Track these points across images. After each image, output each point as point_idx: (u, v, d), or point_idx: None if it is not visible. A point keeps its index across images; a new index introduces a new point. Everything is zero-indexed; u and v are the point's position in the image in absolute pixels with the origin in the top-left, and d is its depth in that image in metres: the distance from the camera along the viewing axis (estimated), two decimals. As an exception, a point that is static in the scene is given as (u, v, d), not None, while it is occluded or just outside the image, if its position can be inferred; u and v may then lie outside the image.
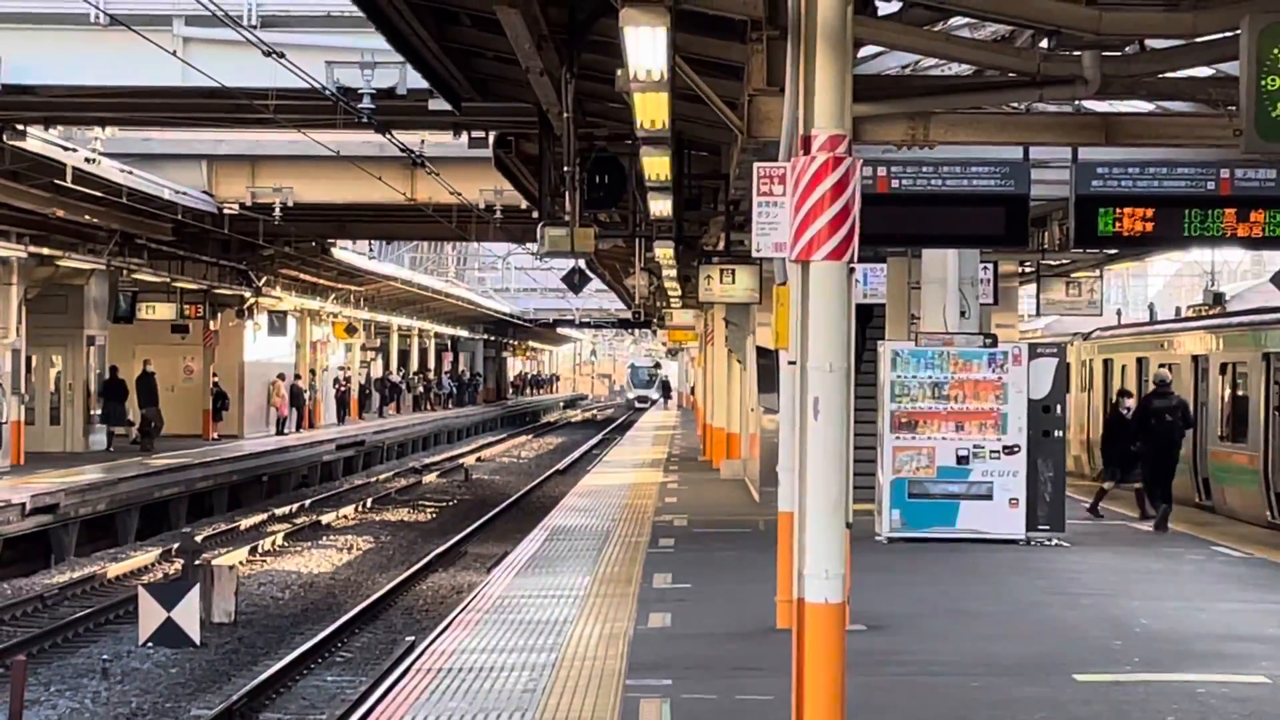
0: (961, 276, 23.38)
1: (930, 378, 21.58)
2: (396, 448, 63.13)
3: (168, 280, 44.78)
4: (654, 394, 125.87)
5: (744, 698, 12.08)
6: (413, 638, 21.40)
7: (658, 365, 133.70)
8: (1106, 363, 36.00)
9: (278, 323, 53.94)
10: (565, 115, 18.07)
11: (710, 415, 44.26)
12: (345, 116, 24.72)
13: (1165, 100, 14.88)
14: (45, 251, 36.93)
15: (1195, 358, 29.97)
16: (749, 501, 28.98)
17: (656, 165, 18.37)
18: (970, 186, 14.60)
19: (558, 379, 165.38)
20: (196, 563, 23.69)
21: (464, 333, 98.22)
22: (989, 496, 21.43)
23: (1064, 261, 32.54)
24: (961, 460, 21.48)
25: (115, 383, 43.16)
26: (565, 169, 20.13)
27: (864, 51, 14.83)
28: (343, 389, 65.67)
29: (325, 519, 38.63)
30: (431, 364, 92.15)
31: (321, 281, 58.17)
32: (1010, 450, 21.43)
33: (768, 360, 26.89)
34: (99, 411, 42.86)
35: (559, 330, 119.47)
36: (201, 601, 21.76)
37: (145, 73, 24.32)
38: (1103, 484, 25.91)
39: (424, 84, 21.67)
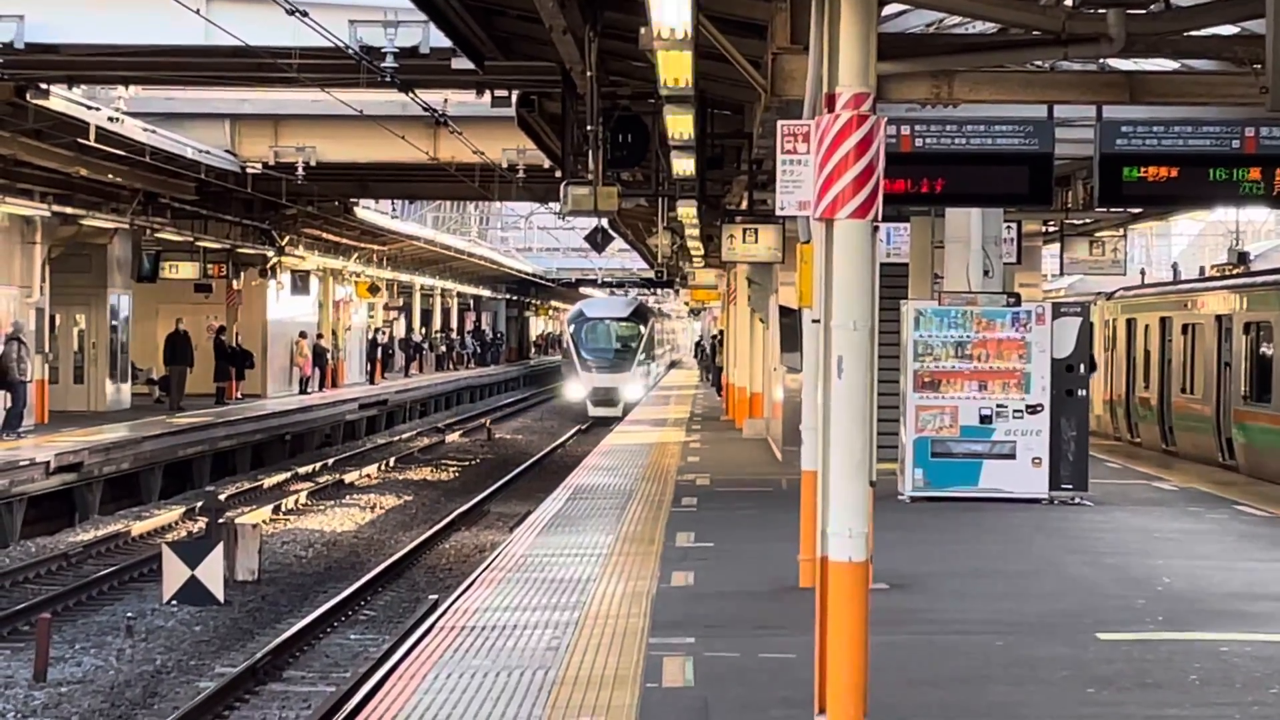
0: (985, 235, 23.32)
1: (953, 337, 21.54)
2: (419, 407, 63.20)
3: (191, 240, 44.82)
4: (632, 388, 62.90)
5: (767, 656, 12.09)
6: (436, 596, 21.46)
7: (639, 313, 70.27)
8: (1130, 322, 35.92)
9: (300, 282, 53.98)
10: (588, 74, 18.07)
11: (733, 374, 44.26)
12: (368, 75, 24.68)
13: (1190, 58, 14.84)
14: (69, 211, 36.95)
15: (1219, 317, 29.89)
16: (771, 460, 28.99)
17: (679, 124, 18.34)
18: (994, 145, 14.57)
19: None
20: (220, 521, 23.76)
21: (486, 292, 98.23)
22: (1012, 456, 21.39)
23: (1088, 221, 32.43)
24: (985, 419, 21.43)
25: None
26: (588, 128, 20.13)
27: (888, 9, 14.80)
28: (373, 342, 65.79)
29: (348, 478, 38.73)
30: (454, 323, 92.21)
31: (344, 241, 58.22)
32: (1033, 409, 21.39)
33: (790, 319, 26.89)
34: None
35: (581, 290, 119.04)
36: (225, 560, 21.84)
37: (168, 31, 24.28)
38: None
39: (447, 43, 21.64)
